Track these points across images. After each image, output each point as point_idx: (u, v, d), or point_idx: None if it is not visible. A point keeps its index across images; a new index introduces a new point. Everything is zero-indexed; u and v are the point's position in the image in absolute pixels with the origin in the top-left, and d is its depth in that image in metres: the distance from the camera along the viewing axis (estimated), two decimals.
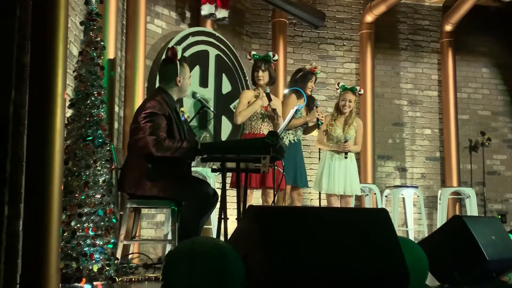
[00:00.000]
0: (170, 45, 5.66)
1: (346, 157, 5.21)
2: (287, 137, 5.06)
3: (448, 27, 7.93)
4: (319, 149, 5.56)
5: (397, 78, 7.99)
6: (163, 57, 4.09)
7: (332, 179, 5.24)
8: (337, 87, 5.41)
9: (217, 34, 6.34)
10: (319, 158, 5.56)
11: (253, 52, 5.02)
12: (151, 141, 3.58)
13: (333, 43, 7.79)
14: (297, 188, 5.14)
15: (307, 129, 5.36)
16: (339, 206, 5.38)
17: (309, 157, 7.25)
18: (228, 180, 4.58)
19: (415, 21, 8.14)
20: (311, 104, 5.26)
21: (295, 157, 5.07)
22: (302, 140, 6.87)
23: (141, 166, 3.64)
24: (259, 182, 4.68)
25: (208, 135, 5.61)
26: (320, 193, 5.74)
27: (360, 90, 5.41)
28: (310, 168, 7.14)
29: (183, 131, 3.84)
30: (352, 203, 6.43)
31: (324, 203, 6.10)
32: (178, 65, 3.83)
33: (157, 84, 4.14)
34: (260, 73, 4.89)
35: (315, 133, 5.89)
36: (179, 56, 3.84)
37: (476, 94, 8.27)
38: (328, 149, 5.25)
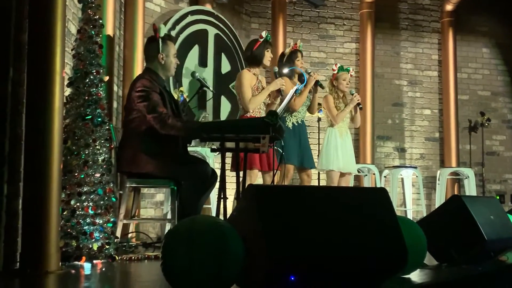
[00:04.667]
0: (168, 24, 5.66)
1: (361, 108, 5.45)
2: (290, 120, 5.02)
3: (449, 7, 7.87)
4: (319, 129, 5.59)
5: (397, 58, 7.96)
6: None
7: (332, 156, 5.29)
8: (335, 69, 5.45)
9: (216, 13, 6.30)
10: (318, 139, 5.58)
11: (267, 33, 4.83)
12: (153, 120, 3.58)
13: (333, 23, 7.74)
14: (306, 169, 5.13)
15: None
16: (339, 184, 5.41)
17: (309, 137, 7.24)
18: (227, 160, 4.54)
19: (415, 0, 8.08)
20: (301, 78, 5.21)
21: (300, 138, 5.05)
22: (304, 120, 6.89)
23: (136, 144, 3.65)
24: (263, 165, 4.63)
25: (207, 115, 5.59)
26: (319, 173, 5.76)
27: (352, 71, 5.60)
28: (311, 148, 7.14)
29: (176, 110, 3.82)
30: (351, 182, 6.46)
31: (323, 183, 6.12)
32: (161, 42, 3.80)
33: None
34: (271, 53, 4.80)
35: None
36: (161, 34, 3.80)
37: (476, 75, 8.24)
38: (345, 113, 5.34)
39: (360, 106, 5.42)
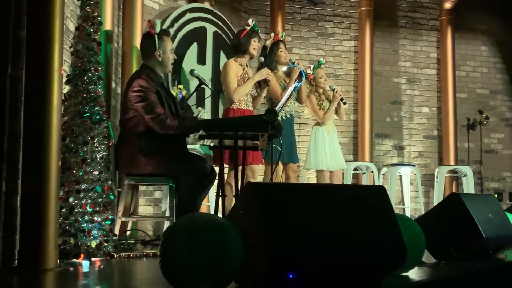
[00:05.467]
0: (167, 22, 5.66)
1: (345, 103, 5.44)
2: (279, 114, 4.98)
3: (447, 5, 7.87)
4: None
5: (396, 56, 7.95)
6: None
7: (320, 155, 5.30)
8: (310, 71, 5.43)
9: (215, 10, 6.29)
10: None
11: (254, 22, 4.75)
12: (151, 120, 3.57)
13: (332, 20, 7.74)
14: (292, 165, 5.10)
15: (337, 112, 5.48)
16: (330, 181, 5.40)
17: (307, 135, 7.24)
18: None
19: None
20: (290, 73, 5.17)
21: (288, 133, 5.00)
22: (300, 118, 6.90)
23: (134, 145, 3.64)
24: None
25: (204, 111, 5.58)
26: (317, 171, 5.76)
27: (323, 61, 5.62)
28: (307, 147, 7.14)
29: (174, 107, 3.81)
30: (349, 180, 6.46)
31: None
32: (157, 38, 3.77)
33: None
34: (258, 43, 4.72)
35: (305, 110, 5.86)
36: (157, 30, 3.77)
37: (475, 73, 8.24)
38: (331, 112, 5.36)
39: (344, 101, 5.41)
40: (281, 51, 5.04)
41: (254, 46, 4.66)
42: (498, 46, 8.31)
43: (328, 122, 5.40)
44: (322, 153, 5.29)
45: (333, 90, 5.39)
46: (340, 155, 5.49)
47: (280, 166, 4.87)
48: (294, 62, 5.04)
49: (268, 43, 5.10)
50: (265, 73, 4.61)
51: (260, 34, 4.84)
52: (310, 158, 5.37)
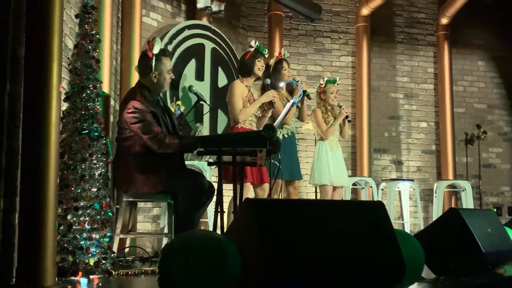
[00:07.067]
0: (165, 39, 5.68)
1: (349, 120, 5.43)
2: (280, 132, 4.99)
3: (444, 20, 7.92)
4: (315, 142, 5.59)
5: (393, 71, 7.99)
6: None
7: (324, 170, 5.29)
8: (322, 83, 5.44)
9: (213, 27, 6.33)
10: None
11: (257, 43, 4.82)
12: (150, 140, 3.55)
13: (329, 36, 7.78)
14: (292, 182, 5.11)
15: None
16: (332, 198, 5.39)
17: (305, 150, 7.26)
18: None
19: (411, 14, 8.14)
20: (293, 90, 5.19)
21: (290, 151, 5.03)
22: (298, 133, 6.91)
23: (130, 164, 3.62)
24: (256, 178, 4.59)
25: (203, 128, 5.59)
26: (316, 187, 5.75)
27: (338, 80, 5.59)
28: (307, 162, 7.15)
29: (171, 124, 3.81)
30: (348, 195, 6.45)
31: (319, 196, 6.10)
32: (154, 60, 3.72)
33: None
34: (263, 63, 4.76)
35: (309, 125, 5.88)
36: (155, 51, 3.73)
37: (472, 87, 8.28)
38: (334, 127, 5.33)
39: (349, 118, 5.42)
40: (285, 69, 5.09)
41: (259, 66, 4.70)
42: (495, 61, 8.36)
43: (332, 139, 5.36)
44: (325, 169, 5.28)
45: (340, 107, 5.38)
46: (343, 172, 5.47)
47: (279, 182, 4.86)
48: (298, 81, 5.08)
49: (272, 62, 5.14)
50: (271, 95, 4.66)
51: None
52: (314, 174, 5.36)
